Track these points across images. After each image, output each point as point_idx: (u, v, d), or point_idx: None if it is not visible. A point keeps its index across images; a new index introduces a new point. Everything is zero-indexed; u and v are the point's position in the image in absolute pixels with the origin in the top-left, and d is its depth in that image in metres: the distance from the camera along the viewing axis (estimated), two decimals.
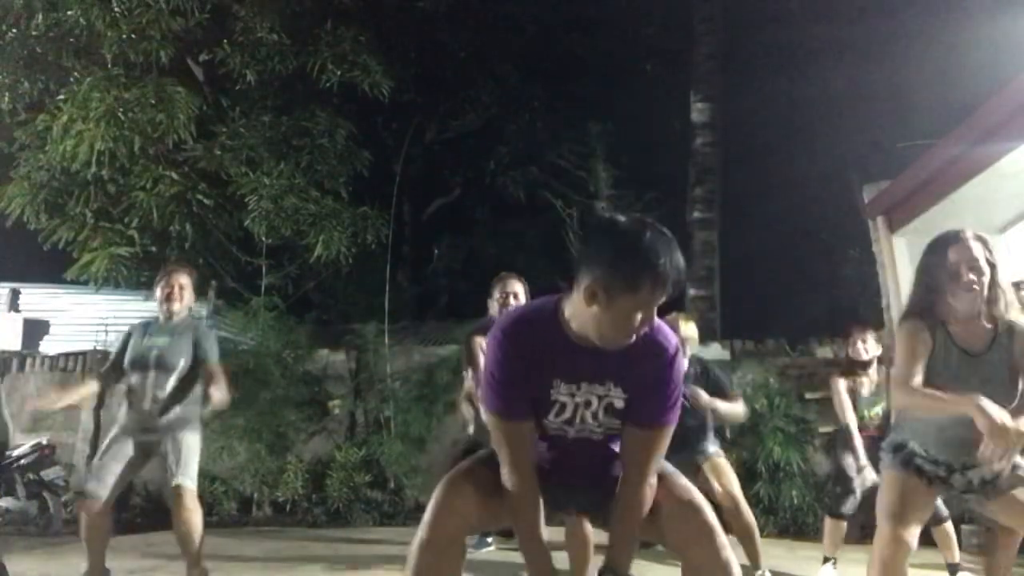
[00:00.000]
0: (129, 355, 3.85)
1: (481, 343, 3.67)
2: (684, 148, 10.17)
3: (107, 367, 3.95)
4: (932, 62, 8.70)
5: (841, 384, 4.49)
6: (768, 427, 6.65)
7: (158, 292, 3.90)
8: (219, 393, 3.70)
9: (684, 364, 2.25)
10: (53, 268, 9.12)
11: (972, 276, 2.45)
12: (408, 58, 10.10)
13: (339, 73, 8.47)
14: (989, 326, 2.52)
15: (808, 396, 6.80)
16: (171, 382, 3.79)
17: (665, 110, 10.86)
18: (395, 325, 8.50)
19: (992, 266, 2.48)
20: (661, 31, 11.18)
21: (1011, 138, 4.54)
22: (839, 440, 4.59)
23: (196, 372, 3.86)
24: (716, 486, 3.87)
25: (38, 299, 10.37)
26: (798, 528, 6.25)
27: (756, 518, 6.28)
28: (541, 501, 1.93)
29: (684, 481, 2.00)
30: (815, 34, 9.79)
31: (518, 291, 3.97)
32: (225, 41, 8.48)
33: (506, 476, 1.90)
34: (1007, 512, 2.54)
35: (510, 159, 10.67)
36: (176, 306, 3.84)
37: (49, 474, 6.99)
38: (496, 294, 4.00)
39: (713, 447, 4.05)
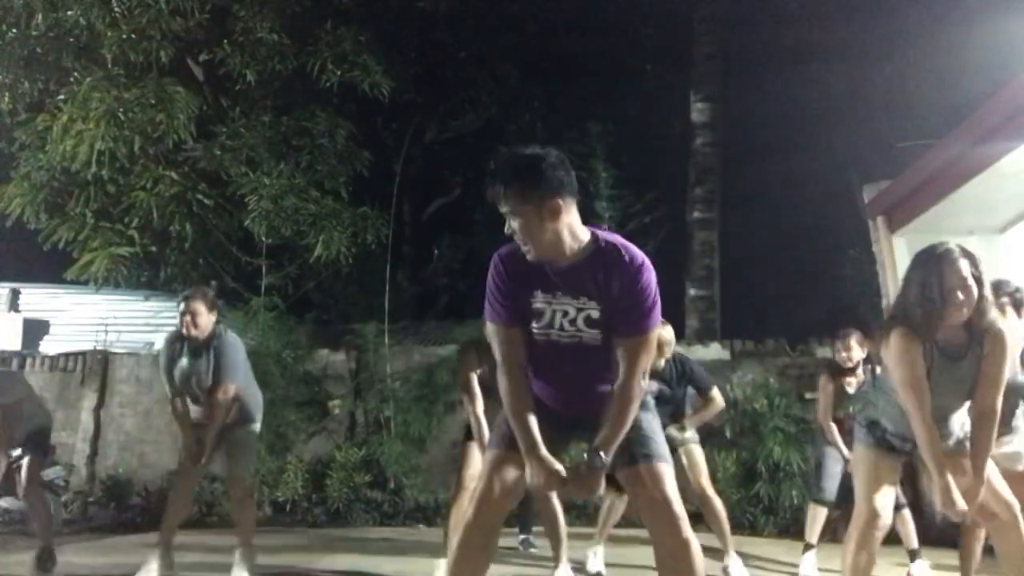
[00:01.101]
0: (176, 375, 4.17)
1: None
2: (684, 148, 10.17)
3: (170, 388, 4.20)
4: (932, 62, 8.69)
5: (829, 386, 4.68)
6: (768, 427, 6.67)
7: (179, 317, 4.17)
8: (212, 428, 4.05)
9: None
10: (53, 268, 9.12)
11: (963, 296, 2.57)
12: (408, 58, 10.08)
13: (339, 73, 8.45)
14: (969, 331, 2.65)
15: (808, 396, 6.79)
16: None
17: (665, 110, 10.85)
18: (395, 325, 8.50)
19: (978, 281, 2.58)
20: (661, 31, 11.17)
21: (1011, 138, 4.55)
22: (818, 433, 4.86)
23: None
24: (688, 475, 4.24)
25: (38, 299, 10.34)
26: (798, 528, 6.22)
27: (756, 518, 6.41)
28: (532, 398, 2.28)
29: (668, 479, 2.26)
30: (815, 34, 9.78)
31: None
32: (225, 41, 8.46)
33: (501, 371, 2.30)
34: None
35: None
36: (195, 332, 4.10)
37: (49, 474, 6.95)
38: None
39: (690, 432, 4.41)
